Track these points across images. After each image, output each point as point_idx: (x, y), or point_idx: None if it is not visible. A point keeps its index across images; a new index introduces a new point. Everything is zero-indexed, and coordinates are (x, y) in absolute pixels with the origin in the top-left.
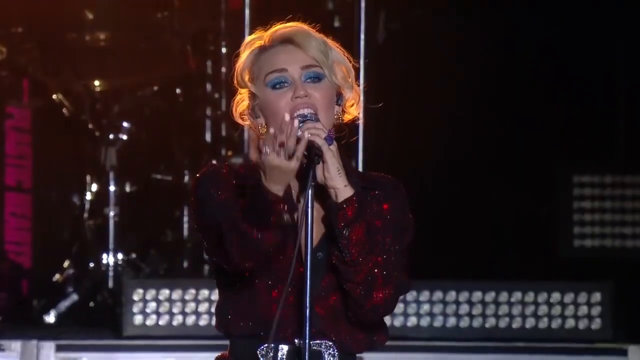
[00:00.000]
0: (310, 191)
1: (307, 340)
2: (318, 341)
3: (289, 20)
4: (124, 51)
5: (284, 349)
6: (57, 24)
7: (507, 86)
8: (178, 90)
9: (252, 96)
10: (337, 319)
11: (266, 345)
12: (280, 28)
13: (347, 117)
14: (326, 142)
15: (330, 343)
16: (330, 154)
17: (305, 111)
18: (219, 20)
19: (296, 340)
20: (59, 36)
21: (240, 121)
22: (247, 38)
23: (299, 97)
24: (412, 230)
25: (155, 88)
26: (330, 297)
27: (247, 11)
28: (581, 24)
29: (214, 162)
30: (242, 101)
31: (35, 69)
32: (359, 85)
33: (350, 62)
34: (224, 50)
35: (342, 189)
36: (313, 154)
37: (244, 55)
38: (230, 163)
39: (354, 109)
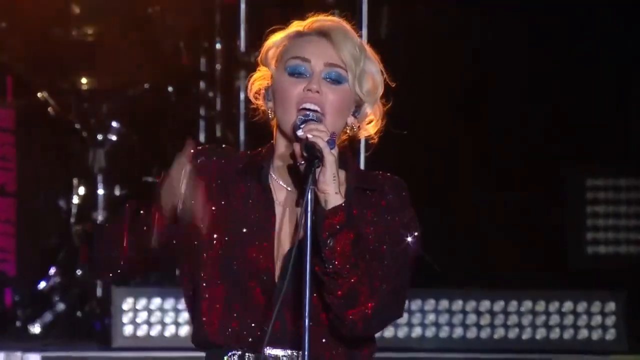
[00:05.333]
0: (310, 194)
1: (306, 346)
2: (281, 352)
3: (328, 15)
4: (112, 47)
5: (250, 357)
6: (42, 18)
7: (516, 85)
8: (170, 89)
9: (271, 77)
10: (313, 329)
11: (233, 353)
12: (322, 19)
13: (363, 134)
14: (328, 145)
15: (294, 353)
16: (331, 158)
17: (312, 106)
18: (213, 15)
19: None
20: (44, 31)
21: (253, 99)
22: (294, 22)
23: (310, 91)
24: (416, 236)
25: (146, 86)
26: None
27: (242, 5)
28: (594, 24)
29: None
30: (260, 79)
31: (19, 66)
32: (385, 105)
33: (384, 78)
34: (218, 46)
35: (332, 196)
36: (313, 156)
37: (279, 35)
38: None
39: (372, 127)
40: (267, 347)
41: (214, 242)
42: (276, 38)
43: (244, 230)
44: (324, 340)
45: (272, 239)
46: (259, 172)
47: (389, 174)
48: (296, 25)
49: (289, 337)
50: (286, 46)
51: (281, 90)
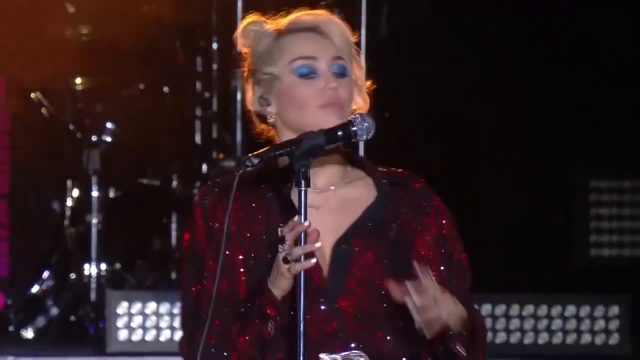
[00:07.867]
0: (302, 196)
1: (300, 350)
2: (343, 353)
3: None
4: (107, 47)
5: None
6: (36, 17)
7: (519, 86)
8: (166, 89)
9: (261, 82)
10: (368, 321)
11: None
12: (305, 14)
13: None
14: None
15: (359, 353)
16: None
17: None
18: (209, 14)
19: None
20: (38, 31)
21: (253, 107)
22: (247, 22)
23: (332, 89)
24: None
25: (142, 86)
26: (357, 294)
27: (239, 4)
28: (601, 23)
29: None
30: (250, 90)
31: (12, 67)
32: (368, 89)
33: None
34: (214, 45)
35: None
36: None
37: (259, 39)
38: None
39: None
40: (324, 353)
41: (241, 262)
42: (261, 43)
43: (270, 246)
44: (380, 331)
45: None
46: (274, 180)
47: (402, 170)
48: (269, 24)
49: (349, 333)
50: (275, 47)
51: (295, 93)
